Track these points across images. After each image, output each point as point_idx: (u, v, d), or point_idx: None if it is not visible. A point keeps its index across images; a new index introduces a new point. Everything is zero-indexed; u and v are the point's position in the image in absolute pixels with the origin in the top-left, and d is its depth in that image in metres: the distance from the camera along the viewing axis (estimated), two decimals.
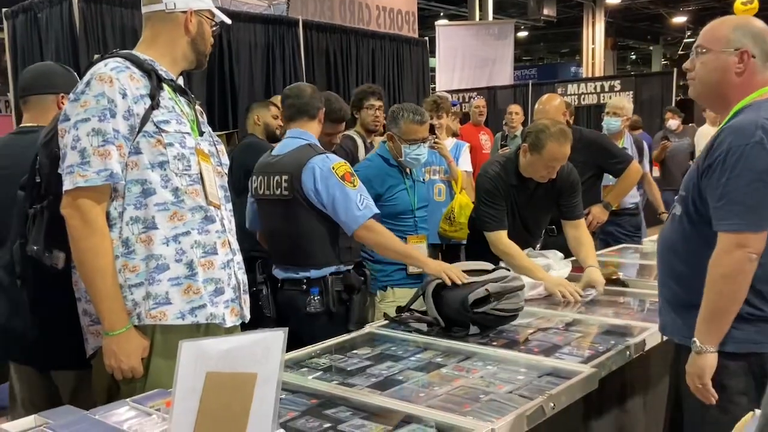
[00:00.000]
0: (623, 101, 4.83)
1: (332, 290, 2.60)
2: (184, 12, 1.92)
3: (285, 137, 2.80)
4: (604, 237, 4.27)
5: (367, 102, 4.06)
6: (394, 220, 3.03)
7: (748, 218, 1.64)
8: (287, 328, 1.31)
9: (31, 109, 2.31)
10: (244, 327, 2.01)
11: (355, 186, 2.58)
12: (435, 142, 3.95)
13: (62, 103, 2.25)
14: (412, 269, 3.04)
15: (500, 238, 2.99)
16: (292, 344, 2.41)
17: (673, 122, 7.65)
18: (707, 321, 1.71)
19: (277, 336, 1.29)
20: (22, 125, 2.34)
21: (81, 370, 2.04)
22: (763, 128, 1.65)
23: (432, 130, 3.97)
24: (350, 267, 2.71)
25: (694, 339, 1.74)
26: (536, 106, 4.01)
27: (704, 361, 1.72)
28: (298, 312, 2.62)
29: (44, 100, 2.29)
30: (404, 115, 3.06)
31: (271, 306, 2.70)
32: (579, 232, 3.12)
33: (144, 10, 1.95)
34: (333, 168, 2.57)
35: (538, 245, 3.39)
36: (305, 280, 2.62)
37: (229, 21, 2.06)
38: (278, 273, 2.73)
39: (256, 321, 3.17)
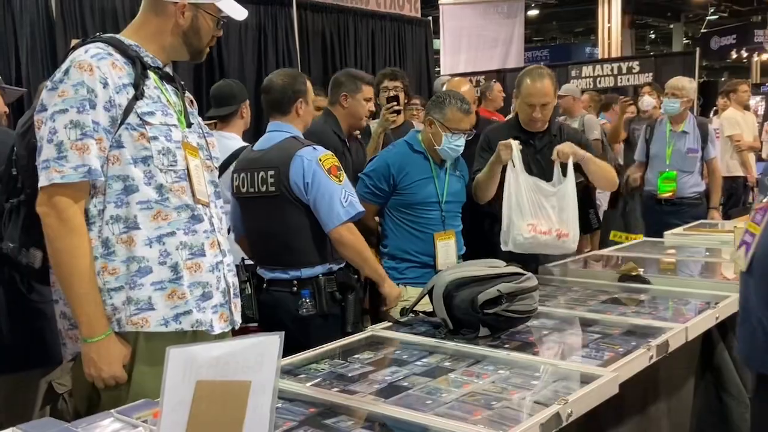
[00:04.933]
0: (683, 81, 4.80)
1: (325, 291, 2.63)
2: (176, 3, 1.88)
3: (267, 131, 2.82)
4: (659, 228, 4.14)
5: (381, 85, 4.04)
6: (412, 210, 3.07)
7: None
8: (283, 333, 1.30)
9: None
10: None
11: (340, 181, 2.62)
12: None
13: None
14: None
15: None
16: (284, 349, 2.44)
17: (648, 100, 5.98)
18: None
19: (273, 341, 1.28)
20: None
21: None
22: None
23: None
24: (342, 265, 2.74)
25: None
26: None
27: None
28: (289, 315, 2.63)
29: None
30: (451, 101, 3.09)
31: (254, 307, 2.72)
32: None
33: None
34: (320, 160, 2.61)
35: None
36: (296, 282, 2.65)
37: (241, 17, 1.98)
38: (264, 273, 2.75)
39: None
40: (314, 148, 2.67)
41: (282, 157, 2.64)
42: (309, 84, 2.85)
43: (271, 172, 2.65)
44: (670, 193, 4.70)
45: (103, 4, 5.05)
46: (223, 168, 2.89)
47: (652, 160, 4.89)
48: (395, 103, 3.68)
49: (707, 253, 3.53)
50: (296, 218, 2.65)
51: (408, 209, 3.06)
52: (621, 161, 6.54)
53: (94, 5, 5.01)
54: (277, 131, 2.76)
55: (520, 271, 2.40)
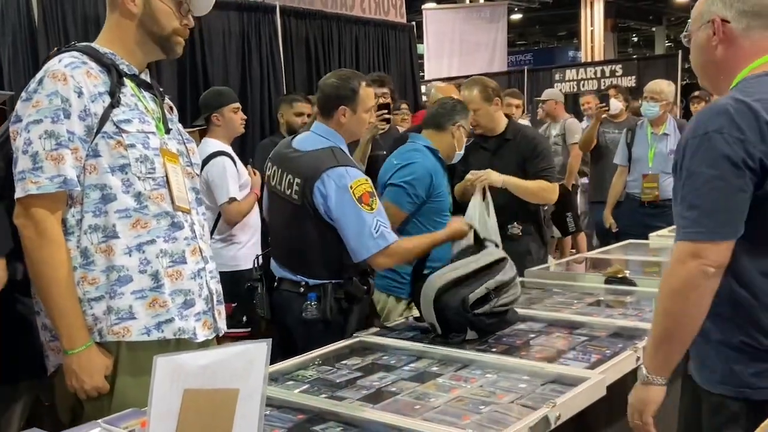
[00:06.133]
0: (661, 85, 4.81)
1: (331, 297, 2.51)
2: None
3: (311, 129, 2.67)
4: (643, 230, 4.13)
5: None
6: (440, 216, 3.05)
7: (704, 224, 1.48)
8: (270, 339, 1.30)
9: None
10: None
11: (372, 209, 2.42)
12: None
13: None
14: None
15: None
16: (286, 348, 2.41)
17: (615, 104, 5.93)
18: (655, 345, 1.59)
19: (260, 348, 1.28)
20: None
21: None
22: (726, 113, 1.46)
23: None
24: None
25: (641, 365, 1.64)
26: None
27: (648, 394, 1.61)
28: (294, 317, 2.54)
29: None
30: (468, 108, 3.21)
31: (265, 305, 2.63)
32: None
33: None
34: (351, 187, 2.42)
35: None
36: (303, 283, 2.54)
37: None
38: (276, 269, 2.65)
39: (250, 322, 3.16)
40: (347, 171, 2.45)
41: (312, 169, 2.47)
42: (365, 89, 2.59)
43: (298, 180, 2.50)
44: (654, 196, 4.74)
45: (85, 12, 5.00)
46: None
47: (635, 163, 4.93)
48: (386, 111, 3.66)
49: None
50: (312, 233, 2.51)
51: (437, 216, 3.04)
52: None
53: (76, 12, 4.96)
54: (318, 135, 2.59)
55: (498, 256, 2.41)
